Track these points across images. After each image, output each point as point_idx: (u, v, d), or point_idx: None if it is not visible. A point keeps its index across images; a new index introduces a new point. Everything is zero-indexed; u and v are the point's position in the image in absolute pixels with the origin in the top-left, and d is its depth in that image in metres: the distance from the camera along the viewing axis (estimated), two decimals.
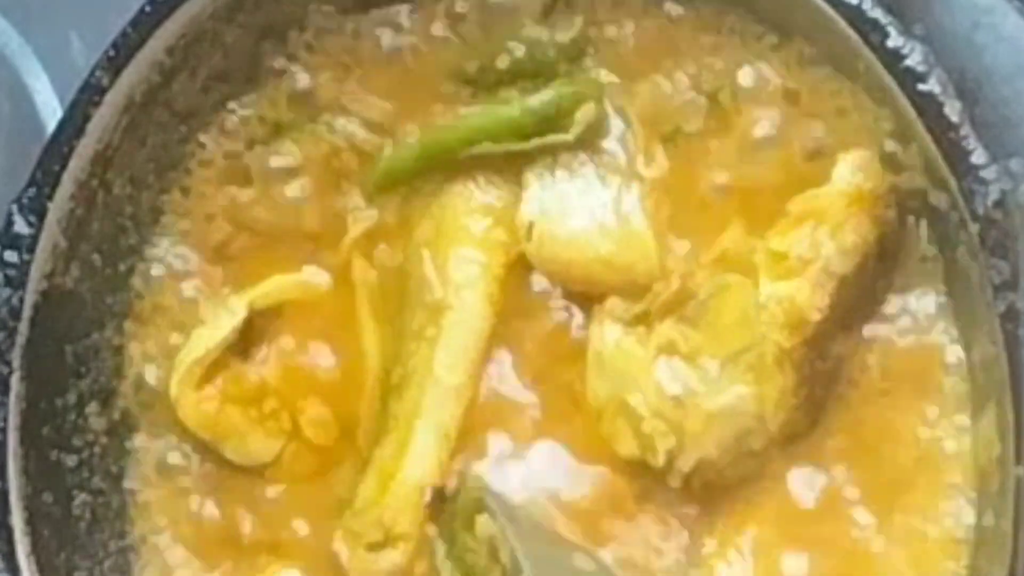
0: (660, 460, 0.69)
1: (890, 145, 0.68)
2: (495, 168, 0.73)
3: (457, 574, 0.70)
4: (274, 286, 0.75)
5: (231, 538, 0.75)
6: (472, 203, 0.73)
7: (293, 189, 0.74)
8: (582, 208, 0.71)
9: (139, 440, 0.76)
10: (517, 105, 0.72)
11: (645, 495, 0.71)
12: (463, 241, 0.72)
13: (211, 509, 0.75)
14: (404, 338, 0.73)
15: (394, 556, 0.71)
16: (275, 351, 0.75)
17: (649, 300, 0.70)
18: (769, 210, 0.70)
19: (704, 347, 0.69)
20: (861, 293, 0.69)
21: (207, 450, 0.75)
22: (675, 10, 0.72)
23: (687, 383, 0.69)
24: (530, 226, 0.71)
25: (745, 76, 0.71)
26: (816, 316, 0.67)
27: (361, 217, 0.74)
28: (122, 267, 0.76)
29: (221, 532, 0.75)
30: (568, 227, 0.71)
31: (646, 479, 0.70)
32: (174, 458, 0.76)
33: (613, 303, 0.71)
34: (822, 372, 0.69)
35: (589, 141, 0.72)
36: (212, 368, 0.74)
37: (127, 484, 0.76)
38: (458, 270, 0.72)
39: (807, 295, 0.67)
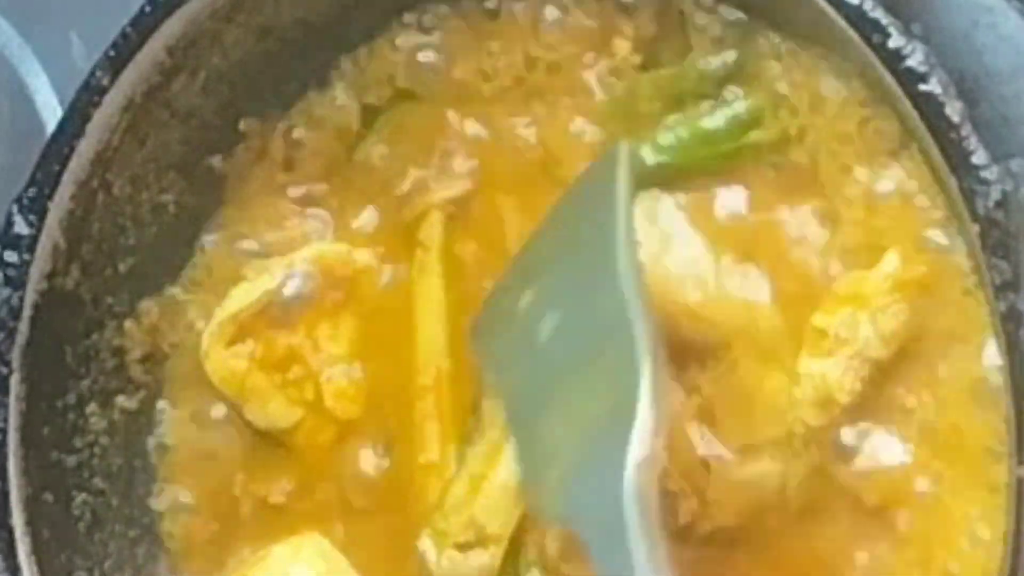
0: (681, 520, 0.68)
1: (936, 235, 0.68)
2: None
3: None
4: (317, 252, 0.75)
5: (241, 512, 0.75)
6: None
7: None
8: (684, 253, 0.70)
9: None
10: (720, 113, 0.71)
11: None
12: None
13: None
14: None
15: (484, 557, 0.70)
16: (308, 322, 0.74)
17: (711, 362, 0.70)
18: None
19: (737, 421, 0.69)
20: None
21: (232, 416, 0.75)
22: None
23: (716, 449, 0.69)
24: None
25: None
26: (845, 399, 0.67)
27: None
28: (122, 267, 0.75)
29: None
30: (664, 264, 0.69)
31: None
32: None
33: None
34: (846, 448, 0.68)
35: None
36: (245, 328, 0.74)
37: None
38: None
39: (838, 376, 0.67)
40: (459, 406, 0.73)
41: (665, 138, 0.72)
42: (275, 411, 0.74)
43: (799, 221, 0.70)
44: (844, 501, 0.68)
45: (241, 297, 0.74)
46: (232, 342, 0.74)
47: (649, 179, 0.71)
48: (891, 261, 0.68)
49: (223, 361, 0.74)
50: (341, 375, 0.75)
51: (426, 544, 0.71)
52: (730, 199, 0.71)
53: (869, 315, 0.67)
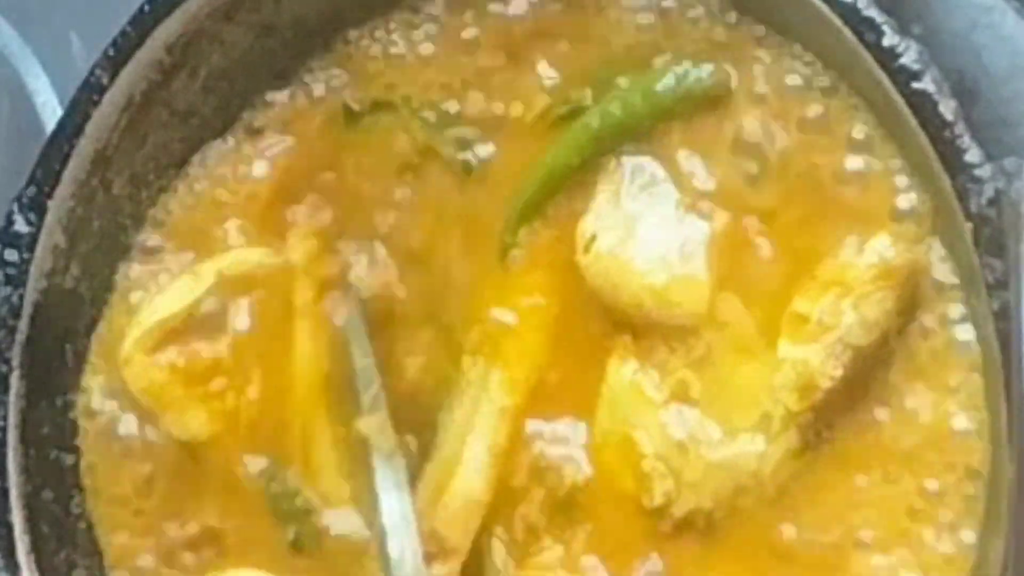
0: (656, 501, 0.69)
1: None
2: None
3: None
4: (242, 256, 0.74)
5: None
6: None
7: None
8: (648, 236, 0.70)
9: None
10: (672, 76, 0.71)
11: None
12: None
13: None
14: (450, 349, 0.73)
15: (443, 570, 0.71)
16: (235, 329, 0.73)
17: (682, 349, 0.70)
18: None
19: (713, 405, 0.69)
20: (876, 372, 0.68)
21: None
22: None
23: (693, 431, 0.69)
24: (591, 238, 0.70)
25: None
26: (826, 383, 0.67)
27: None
28: (122, 266, 0.76)
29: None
30: (629, 250, 0.70)
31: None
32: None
33: (631, 340, 0.70)
34: (827, 443, 0.68)
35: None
36: (169, 336, 0.73)
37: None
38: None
39: (820, 362, 0.67)
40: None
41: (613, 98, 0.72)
42: (193, 422, 0.73)
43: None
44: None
45: (168, 303, 0.73)
46: (153, 351, 0.73)
47: (600, 143, 0.71)
48: (878, 247, 0.68)
49: (143, 370, 0.73)
50: (256, 389, 0.74)
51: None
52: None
53: (852, 301, 0.67)
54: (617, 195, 0.71)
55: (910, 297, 0.67)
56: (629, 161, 0.71)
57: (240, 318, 0.73)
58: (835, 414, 0.68)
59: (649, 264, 0.69)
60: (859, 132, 0.69)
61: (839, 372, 0.67)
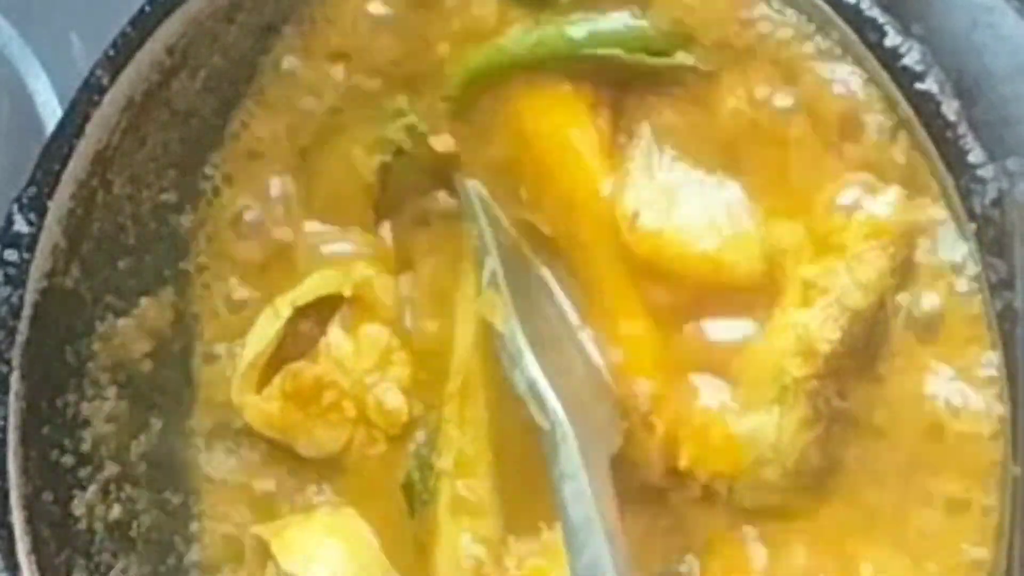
0: (683, 462, 0.69)
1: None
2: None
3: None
4: (316, 283, 0.75)
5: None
6: None
7: None
8: (690, 204, 0.70)
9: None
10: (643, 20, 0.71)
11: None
12: None
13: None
14: None
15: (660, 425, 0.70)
16: (330, 343, 0.75)
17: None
18: None
19: (739, 372, 0.69)
20: (879, 338, 0.68)
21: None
22: None
23: (720, 398, 0.69)
24: (634, 215, 0.70)
25: None
26: (825, 347, 0.67)
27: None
28: (122, 266, 0.76)
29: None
30: (674, 220, 0.70)
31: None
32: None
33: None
34: (840, 412, 0.68)
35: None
36: (268, 370, 0.75)
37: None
38: None
39: (818, 326, 0.67)
40: (479, 415, 0.74)
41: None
42: (322, 438, 0.75)
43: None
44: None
45: (255, 342, 0.75)
46: (259, 387, 0.75)
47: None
48: (869, 205, 0.68)
49: (259, 408, 0.75)
50: (379, 389, 0.75)
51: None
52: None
53: (847, 263, 0.67)
54: (649, 167, 0.71)
55: (905, 258, 0.67)
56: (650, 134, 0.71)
57: (332, 331, 0.75)
58: (844, 382, 0.68)
59: (698, 231, 0.69)
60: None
61: (836, 336, 0.67)
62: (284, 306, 0.75)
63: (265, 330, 0.75)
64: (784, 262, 0.69)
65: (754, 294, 0.69)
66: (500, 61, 0.72)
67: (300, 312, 0.75)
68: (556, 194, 0.72)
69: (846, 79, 0.68)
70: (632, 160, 0.71)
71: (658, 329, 0.71)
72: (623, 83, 0.71)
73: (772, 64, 0.69)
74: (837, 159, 0.68)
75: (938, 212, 0.67)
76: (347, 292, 0.75)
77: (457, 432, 0.73)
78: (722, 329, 0.70)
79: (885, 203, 0.67)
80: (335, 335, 0.75)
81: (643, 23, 0.70)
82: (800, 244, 0.69)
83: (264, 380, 0.75)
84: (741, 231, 0.69)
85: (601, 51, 0.70)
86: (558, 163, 0.72)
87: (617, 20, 0.71)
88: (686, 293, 0.70)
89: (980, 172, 0.64)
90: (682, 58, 0.70)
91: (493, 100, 0.73)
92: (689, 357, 0.70)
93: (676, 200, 0.70)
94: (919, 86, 0.65)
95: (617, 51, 0.70)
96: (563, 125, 0.72)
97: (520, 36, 0.72)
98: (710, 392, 0.69)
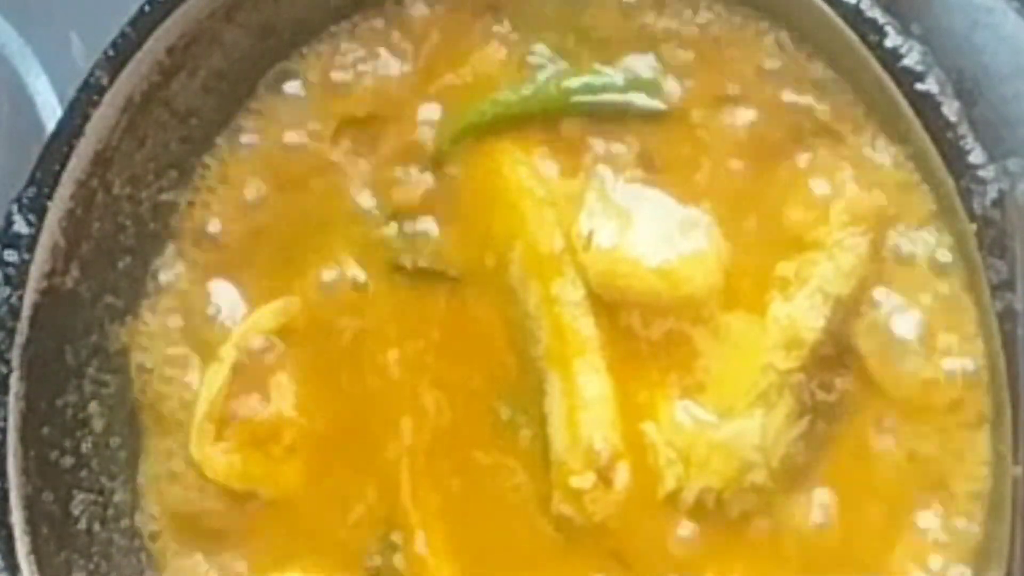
0: (669, 485, 0.69)
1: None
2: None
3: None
4: (253, 323, 0.74)
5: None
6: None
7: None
8: (646, 222, 0.70)
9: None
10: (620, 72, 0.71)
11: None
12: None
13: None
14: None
15: (623, 476, 0.70)
16: (281, 380, 0.74)
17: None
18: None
19: (720, 387, 0.69)
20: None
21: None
22: None
23: (696, 414, 0.69)
24: (588, 236, 0.70)
25: None
26: (811, 336, 0.67)
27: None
28: (122, 266, 0.76)
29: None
30: (629, 238, 0.70)
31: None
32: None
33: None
34: (825, 405, 0.68)
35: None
36: (222, 420, 0.74)
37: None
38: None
39: (802, 314, 0.67)
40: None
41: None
42: (284, 479, 0.74)
43: None
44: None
45: (203, 396, 0.74)
46: (216, 439, 0.74)
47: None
48: (846, 192, 0.68)
49: (218, 461, 0.74)
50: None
51: (563, 508, 0.71)
52: None
53: (827, 251, 0.68)
54: (604, 190, 0.71)
55: (883, 243, 0.68)
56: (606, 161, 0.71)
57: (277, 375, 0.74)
58: (829, 374, 0.68)
59: (654, 247, 0.69)
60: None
61: (820, 323, 0.67)
62: (227, 352, 0.74)
63: (213, 380, 0.74)
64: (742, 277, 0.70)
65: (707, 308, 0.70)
66: (494, 113, 0.72)
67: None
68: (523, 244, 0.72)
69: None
70: (589, 183, 0.71)
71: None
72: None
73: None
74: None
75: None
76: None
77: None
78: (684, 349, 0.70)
79: (855, 190, 0.68)
80: (290, 369, 0.74)
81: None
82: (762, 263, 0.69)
83: (219, 433, 0.74)
84: (698, 246, 0.69)
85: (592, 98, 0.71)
86: (523, 216, 0.72)
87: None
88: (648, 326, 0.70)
89: (980, 173, 0.64)
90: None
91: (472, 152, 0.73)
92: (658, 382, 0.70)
93: (632, 219, 0.70)
94: (919, 87, 0.65)
95: (612, 96, 0.71)
96: (528, 177, 0.72)
97: (515, 88, 0.72)
98: (682, 412, 0.69)
